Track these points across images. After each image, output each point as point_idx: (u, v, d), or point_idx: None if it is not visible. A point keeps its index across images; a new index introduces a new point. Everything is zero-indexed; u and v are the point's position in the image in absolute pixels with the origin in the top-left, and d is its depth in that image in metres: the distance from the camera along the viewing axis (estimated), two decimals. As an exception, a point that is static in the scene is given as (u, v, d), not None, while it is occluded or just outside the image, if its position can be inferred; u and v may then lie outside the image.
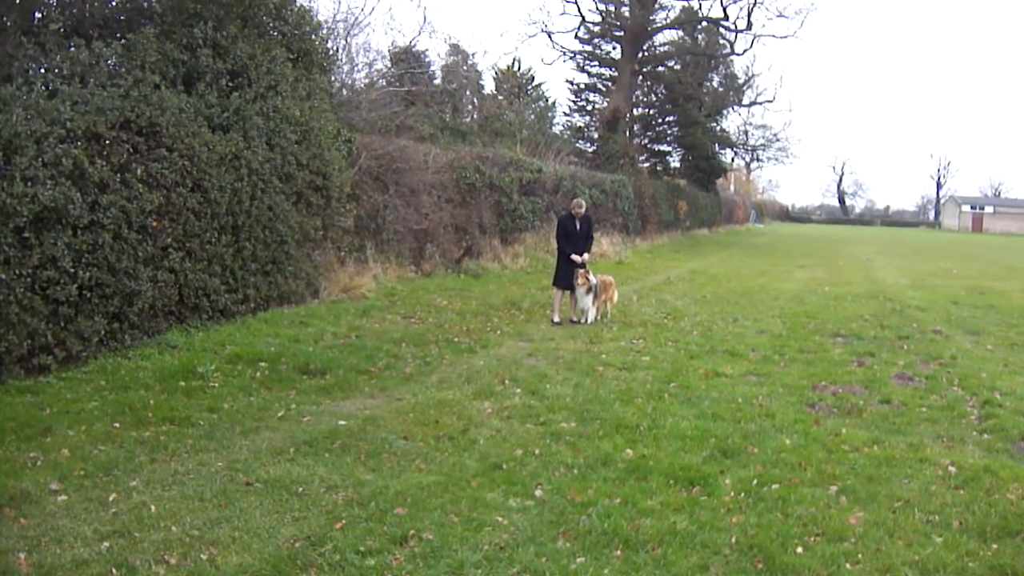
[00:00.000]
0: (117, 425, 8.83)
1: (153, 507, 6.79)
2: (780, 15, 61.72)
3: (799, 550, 6.39)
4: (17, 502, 6.79)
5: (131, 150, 11.90)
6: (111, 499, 6.95)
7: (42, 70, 11.90)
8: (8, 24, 12.19)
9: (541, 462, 8.24)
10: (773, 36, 66.73)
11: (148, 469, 7.69)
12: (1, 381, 9.95)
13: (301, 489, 7.33)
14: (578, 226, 17.92)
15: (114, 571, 5.72)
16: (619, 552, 6.28)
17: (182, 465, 7.83)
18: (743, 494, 7.52)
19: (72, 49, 12.04)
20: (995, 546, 6.54)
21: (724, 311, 19.25)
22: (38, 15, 12.77)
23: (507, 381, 11.62)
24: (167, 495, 7.09)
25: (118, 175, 11.59)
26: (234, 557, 5.99)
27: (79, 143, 10.98)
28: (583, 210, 18.17)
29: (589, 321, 17.31)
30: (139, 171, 11.92)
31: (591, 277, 17.42)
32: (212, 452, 8.24)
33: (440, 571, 5.91)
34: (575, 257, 17.55)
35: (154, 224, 12.23)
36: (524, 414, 9.98)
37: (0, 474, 7.35)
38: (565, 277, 17.56)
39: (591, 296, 17.38)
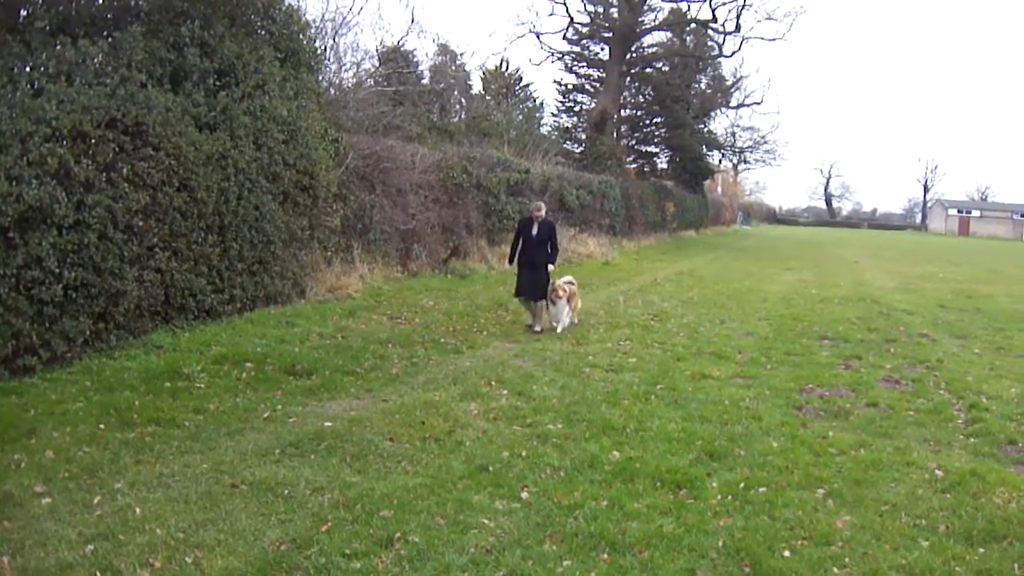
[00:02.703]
0: (102, 426, 8.80)
1: (138, 509, 6.76)
2: (769, 18, 61.79)
3: (786, 553, 6.39)
4: (1, 504, 6.76)
5: (117, 149, 11.85)
6: (96, 501, 6.92)
7: (27, 68, 11.83)
8: (-7, 22, 12.14)
9: (528, 464, 8.24)
10: (762, 39, 66.79)
11: (133, 471, 7.66)
12: (-15, 382, 9.90)
13: (287, 491, 7.31)
14: (535, 231, 16.74)
15: (99, 574, 5.69)
16: (606, 555, 6.27)
17: (167, 467, 7.80)
18: (730, 497, 7.52)
19: (58, 47, 11.97)
20: (981, 550, 6.55)
21: (711, 313, 19.27)
22: (24, 13, 12.68)
23: (494, 382, 11.61)
24: (152, 497, 7.06)
25: (104, 174, 11.54)
26: (219, 560, 5.97)
27: (65, 142, 10.95)
28: (543, 213, 17.07)
29: (562, 328, 16.27)
30: (125, 170, 11.87)
31: (564, 286, 16.52)
32: (198, 454, 8.21)
33: (426, 574, 5.90)
34: (507, 265, 17.54)
35: (140, 224, 12.18)
36: (510, 416, 9.98)
37: (-16, 476, 7.32)
38: (529, 285, 16.56)
39: (569, 305, 16.53)
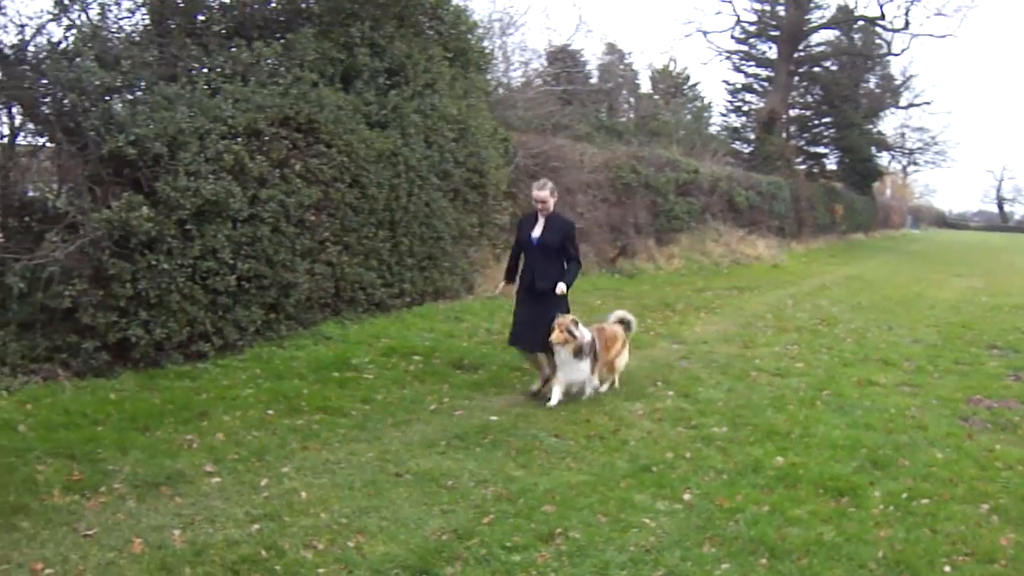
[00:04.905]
0: (271, 412, 9.06)
1: (303, 493, 6.92)
2: (939, 13, 59.42)
3: (947, 569, 6.12)
4: (173, 481, 7.02)
5: (290, 146, 12.17)
6: (263, 483, 7.12)
7: (205, 69, 12.16)
8: (173, 26, 12.54)
9: (691, 466, 8.13)
10: (931, 35, 65.21)
11: (300, 456, 7.85)
12: (161, 366, 10.32)
13: (450, 482, 7.37)
14: (539, 232, 10.34)
15: (264, 553, 5.83)
16: (764, 560, 6.13)
17: (333, 454, 7.97)
18: (892, 507, 7.25)
19: (233, 49, 12.31)
20: None
21: (879, 318, 18.69)
22: (201, 17, 13.10)
23: (659, 383, 11.50)
24: (317, 482, 7.22)
25: (277, 170, 11.86)
26: (381, 546, 6.05)
27: (240, 139, 11.26)
28: (551, 201, 10.35)
29: (587, 394, 10.45)
30: (298, 166, 12.18)
31: (579, 330, 10.03)
32: (363, 442, 8.36)
33: (585, 570, 5.86)
34: (500, 285, 11.54)
35: (312, 218, 12.47)
36: (675, 417, 9.86)
37: (159, 454, 7.60)
38: (527, 327, 10.37)
39: (585, 360, 10.11)
